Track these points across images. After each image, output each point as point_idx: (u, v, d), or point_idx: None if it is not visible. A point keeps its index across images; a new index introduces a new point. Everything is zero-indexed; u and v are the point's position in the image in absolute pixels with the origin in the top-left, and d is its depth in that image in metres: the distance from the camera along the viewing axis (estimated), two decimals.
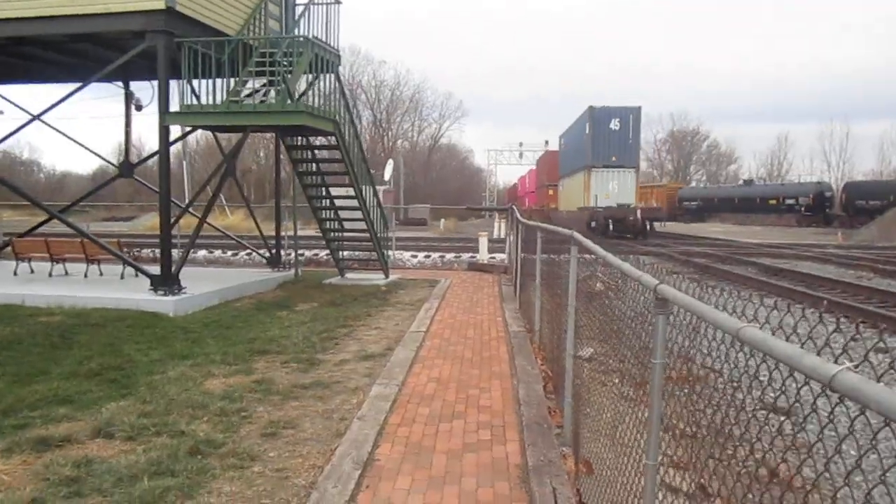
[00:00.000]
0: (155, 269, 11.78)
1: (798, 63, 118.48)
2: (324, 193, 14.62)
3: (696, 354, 2.46)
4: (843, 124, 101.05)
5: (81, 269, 14.09)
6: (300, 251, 20.50)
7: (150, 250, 19.62)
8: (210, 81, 11.49)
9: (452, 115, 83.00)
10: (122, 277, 13.61)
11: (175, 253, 13.39)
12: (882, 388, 1.11)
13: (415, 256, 21.40)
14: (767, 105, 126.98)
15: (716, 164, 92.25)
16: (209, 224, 15.35)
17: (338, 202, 14.76)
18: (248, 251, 18.23)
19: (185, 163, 42.72)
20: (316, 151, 14.58)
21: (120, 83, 15.98)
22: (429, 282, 15.34)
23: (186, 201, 15.91)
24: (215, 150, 29.17)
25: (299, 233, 16.88)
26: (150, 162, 18.15)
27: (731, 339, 1.92)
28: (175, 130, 16.45)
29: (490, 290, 14.17)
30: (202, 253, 22.67)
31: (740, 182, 65.17)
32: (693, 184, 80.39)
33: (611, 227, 29.65)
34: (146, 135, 58.94)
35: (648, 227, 32.09)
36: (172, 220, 12.01)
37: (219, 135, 16.89)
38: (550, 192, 45.75)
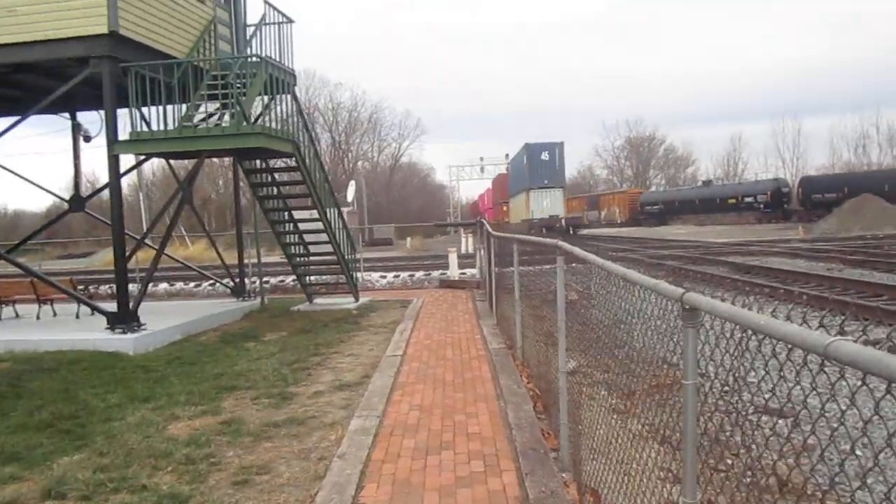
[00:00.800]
0: (112, 307, 11.16)
1: (747, 63, 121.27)
2: (286, 217, 14.13)
3: (738, 373, 2.11)
4: (794, 121, 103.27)
5: (33, 311, 13.36)
6: (265, 278, 19.93)
7: (108, 286, 18.85)
8: (161, 108, 11.00)
9: (412, 134, 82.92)
10: (77, 317, 12.93)
11: (134, 288, 12.77)
12: None
13: (384, 277, 20.95)
14: (719, 106, 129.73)
15: (674, 167, 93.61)
16: (168, 256, 14.71)
17: (302, 226, 14.28)
18: (212, 282, 17.58)
19: (141, 194, 41.68)
20: (276, 174, 14.10)
21: (67, 115, 15.32)
22: (401, 302, 14.91)
23: (143, 230, 15.28)
24: (173, 180, 28.48)
25: (264, 259, 16.35)
26: (103, 194, 17.45)
27: (801, 356, 1.58)
28: (128, 161, 15.87)
29: (464, 307, 13.79)
30: (163, 286, 21.91)
31: (699, 184, 66.07)
32: (653, 188, 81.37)
33: (544, 232, 36.96)
34: (100, 168, 57.61)
35: (571, 230, 41.33)
36: (128, 253, 11.40)
37: (174, 163, 16.35)
38: (504, 208, 52.72)
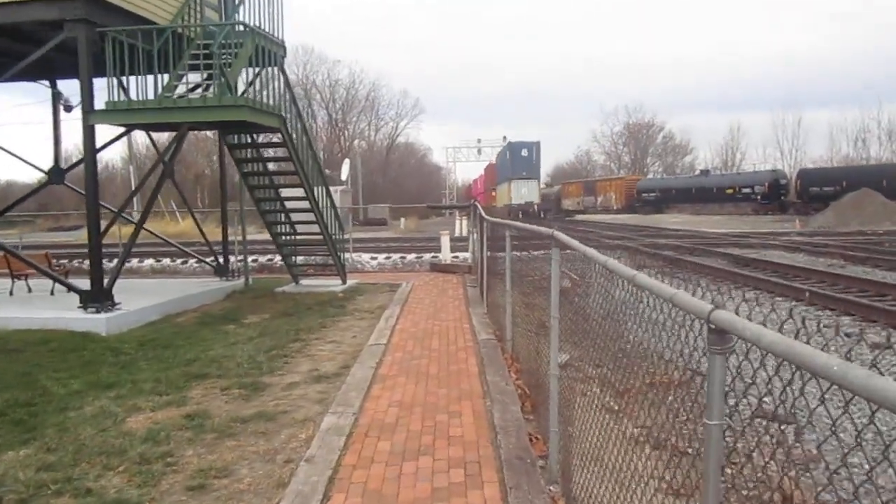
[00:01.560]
0: (87, 284, 10.66)
1: (749, 52, 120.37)
2: (272, 195, 13.61)
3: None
4: (795, 112, 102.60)
5: (7, 286, 12.85)
6: (253, 257, 19.41)
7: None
8: (142, 78, 10.44)
9: (409, 114, 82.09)
10: (52, 293, 12.44)
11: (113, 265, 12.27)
12: None
13: (374, 258, 20.47)
14: (718, 96, 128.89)
15: (672, 155, 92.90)
16: (148, 231, 14.20)
17: (288, 204, 13.75)
18: (198, 259, 17.06)
19: (131, 167, 41.01)
20: (262, 150, 13.55)
21: (46, 83, 14.72)
22: (389, 286, 14.45)
23: (135, 209, 14.76)
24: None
25: (254, 237, 15.86)
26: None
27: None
28: (109, 133, 15.28)
29: (454, 293, 13.34)
30: (149, 262, 21.40)
31: (697, 172, 65.50)
32: (651, 175, 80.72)
33: (520, 215, 42.04)
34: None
35: (542, 214, 49.97)
36: (104, 228, 10.89)
37: (157, 137, 15.76)
38: (493, 193, 59.52)
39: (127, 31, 10.03)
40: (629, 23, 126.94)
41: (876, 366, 1.27)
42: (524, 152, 50.56)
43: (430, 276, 16.56)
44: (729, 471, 2.33)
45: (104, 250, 11.11)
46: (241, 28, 11.29)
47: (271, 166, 14.61)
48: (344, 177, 41.69)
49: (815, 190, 44.18)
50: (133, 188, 23.71)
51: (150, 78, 10.56)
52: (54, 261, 14.25)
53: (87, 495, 4.22)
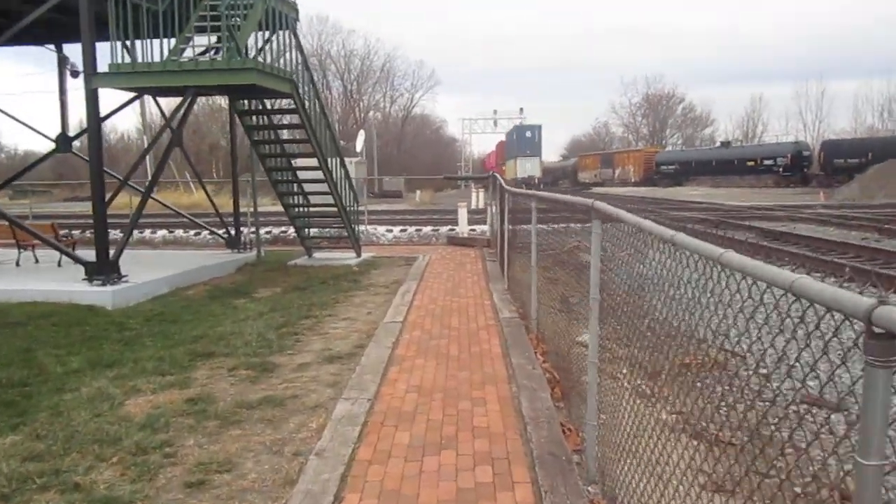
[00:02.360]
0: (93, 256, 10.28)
1: (771, 23, 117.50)
2: (284, 164, 13.12)
3: None
4: (819, 83, 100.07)
5: (13, 257, 12.53)
6: (266, 229, 19.00)
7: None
8: (149, 42, 9.94)
9: (425, 85, 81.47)
10: (59, 265, 12.09)
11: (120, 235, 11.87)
12: None
13: (390, 231, 20.00)
14: (740, 67, 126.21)
15: (692, 127, 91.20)
16: (156, 200, 13.81)
17: (301, 175, 13.26)
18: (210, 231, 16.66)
19: (145, 137, 40.68)
20: (274, 118, 13.04)
21: (52, 47, 14.24)
22: (405, 259, 13.99)
23: (149, 178, 14.34)
24: (189, 123, 27.34)
25: (269, 209, 15.41)
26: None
27: None
28: (116, 98, 14.82)
29: (473, 267, 12.86)
30: (161, 233, 21.05)
31: (717, 144, 64.20)
32: (669, 147, 79.28)
33: (524, 186, 43.68)
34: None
35: (542, 186, 52.89)
36: (108, 197, 10.47)
37: (169, 105, 15.28)
38: (503, 168, 64.74)
39: None
40: None
41: None
42: (528, 134, 60.40)
43: (447, 250, 16.08)
44: None
45: (116, 221, 10.73)
46: None
47: (284, 135, 14.10)
48: (359, 148, 41.09)
49: (840, 162, 43.06)
50: (147, 157, 23.31)
51: (157, 43, 10.11)
52: (62, 231, 13.88)
53: (75, 491, 3.81)
